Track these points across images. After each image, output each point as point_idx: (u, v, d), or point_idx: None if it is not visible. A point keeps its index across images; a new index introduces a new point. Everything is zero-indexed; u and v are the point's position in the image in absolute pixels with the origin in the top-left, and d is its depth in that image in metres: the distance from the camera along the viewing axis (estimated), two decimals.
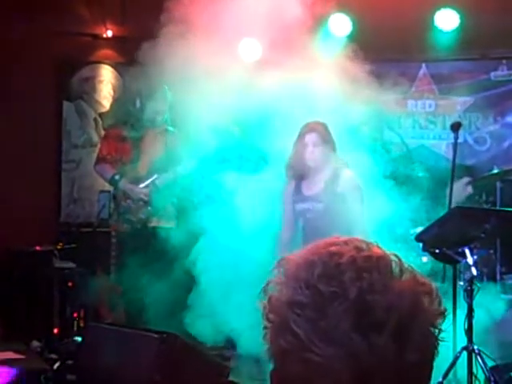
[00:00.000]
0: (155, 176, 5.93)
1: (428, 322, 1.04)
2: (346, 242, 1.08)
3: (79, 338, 5.51)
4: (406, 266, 1.07)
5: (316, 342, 1.00)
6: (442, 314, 1.06)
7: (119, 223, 6.05)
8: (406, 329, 1.00)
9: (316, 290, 1.02)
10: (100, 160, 6.18)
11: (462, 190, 5.71)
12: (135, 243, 5.81)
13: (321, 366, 1.00)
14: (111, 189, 6.24)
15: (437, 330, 1.05)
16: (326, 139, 5.29)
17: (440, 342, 1.06)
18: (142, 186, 5.96)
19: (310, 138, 5.30)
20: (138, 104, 6.04)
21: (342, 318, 0.99)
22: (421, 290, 1.05)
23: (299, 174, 5.36)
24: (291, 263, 1.08)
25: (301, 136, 5.33)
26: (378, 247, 1.09)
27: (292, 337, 1.02)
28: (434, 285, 1.07)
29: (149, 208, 5.93)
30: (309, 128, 5.33)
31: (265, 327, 1.08)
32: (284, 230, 5.38)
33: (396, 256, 1.08)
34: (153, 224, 5.93)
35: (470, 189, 5.82)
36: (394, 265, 1.06)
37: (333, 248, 1.06)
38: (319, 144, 5.26)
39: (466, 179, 5.79)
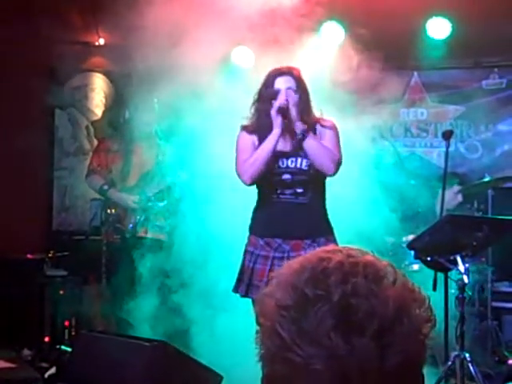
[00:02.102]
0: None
1: (414, 326, 1.02)
2: (340, 250, 1.08)
3: (67, 348, 5.50)
4: (399, 275, 1.06)
5: (298, 342, 1.00)
6: (430, 321, 1.05)
7: (109, 232, 6.06)
8: (389, 331, 1.00)
9: (302, 293, 1.02)
10: (90, 172, 6.23)
11: (452, 198, 5.73)
12: (125, 253, 5.81)
13: (302, 367, 0.99)
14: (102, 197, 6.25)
15: (423, 337, 1.04)
16: (303, 87, 4.10)
17: (429, 349, 1.05)
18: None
19: (283, 81, 4.02)
20: (127, 114, 6.06)
21: (323, 318, 0.99)
22: (409, 296, 1.04)
23: (264, 130, 4.09)
24: (286, 270, 1.09)
25: (268, 82, 4.06)
26: (372, 255, 1.09)
27: (278, 339, 1.02)
28: (425, 294, 1.07)
29: (138, 217, 5.93)
30: (279, 71, 4.07)
31: (257, 332, 1.08)
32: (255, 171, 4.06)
33: (390, 266, 1.07)
34: (142, 234, 5.93)
35: (460, 197, 5.83)
36: (384, 273, 1.05)
37: (323, 254, 1.07)
38: (295, 91, 4.05)
39: (456, 188, 5.81)
